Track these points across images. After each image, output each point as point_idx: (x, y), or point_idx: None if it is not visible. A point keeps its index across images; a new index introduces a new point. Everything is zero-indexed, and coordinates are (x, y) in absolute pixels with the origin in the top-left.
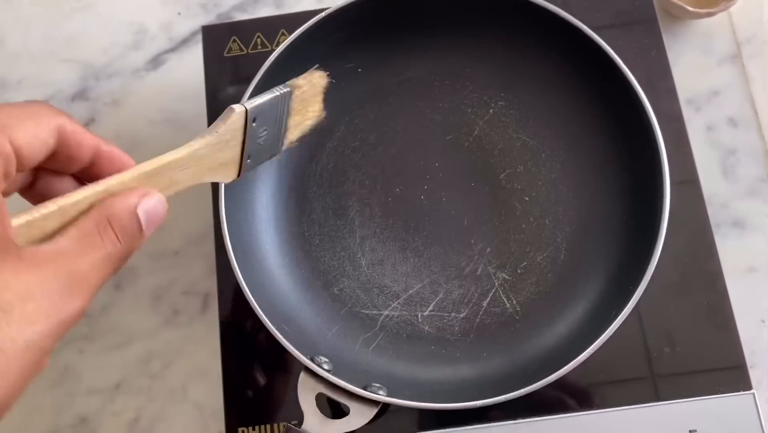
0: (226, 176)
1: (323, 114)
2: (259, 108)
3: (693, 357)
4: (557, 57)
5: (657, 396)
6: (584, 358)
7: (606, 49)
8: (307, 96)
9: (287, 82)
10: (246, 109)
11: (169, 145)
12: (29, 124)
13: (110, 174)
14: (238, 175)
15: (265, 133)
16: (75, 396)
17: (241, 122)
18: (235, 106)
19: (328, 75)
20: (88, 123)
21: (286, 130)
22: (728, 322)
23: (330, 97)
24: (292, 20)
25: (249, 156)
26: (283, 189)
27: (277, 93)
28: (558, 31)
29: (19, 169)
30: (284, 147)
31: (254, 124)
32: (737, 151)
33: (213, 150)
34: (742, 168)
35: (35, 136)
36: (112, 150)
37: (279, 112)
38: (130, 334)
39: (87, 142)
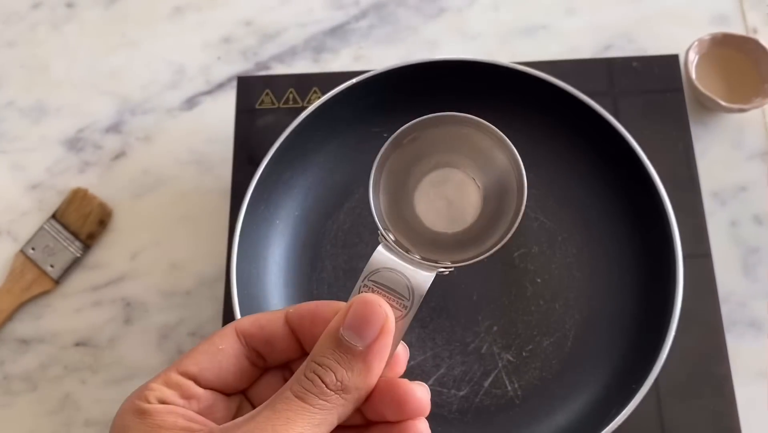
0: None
1: (107, 209)
2: (30, 243)
3: None
4: (583, 142)
5: None
6: None
7: (629, 139)
8: (75, 209)
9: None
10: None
11: (194, 186)
12: (201, 357)
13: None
14: (56, 282)
15: (50, 248)
16: (71, 426)
17: (22, 258)
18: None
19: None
20: (119, 156)
21: (75, 237)
22: (733, 429)
23: (353, 157)
24: (325, 79)
25: (51, 265)
26: (298, 245)
27: (43, 225)
28: (584, 117)
29: (207, 387)
30: (86, 245)
31: (33, 251)
32: (760, 250)
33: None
34: (763, 268)
35: (208, 369)
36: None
37: (53, 234)
38: (134, 369)
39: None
